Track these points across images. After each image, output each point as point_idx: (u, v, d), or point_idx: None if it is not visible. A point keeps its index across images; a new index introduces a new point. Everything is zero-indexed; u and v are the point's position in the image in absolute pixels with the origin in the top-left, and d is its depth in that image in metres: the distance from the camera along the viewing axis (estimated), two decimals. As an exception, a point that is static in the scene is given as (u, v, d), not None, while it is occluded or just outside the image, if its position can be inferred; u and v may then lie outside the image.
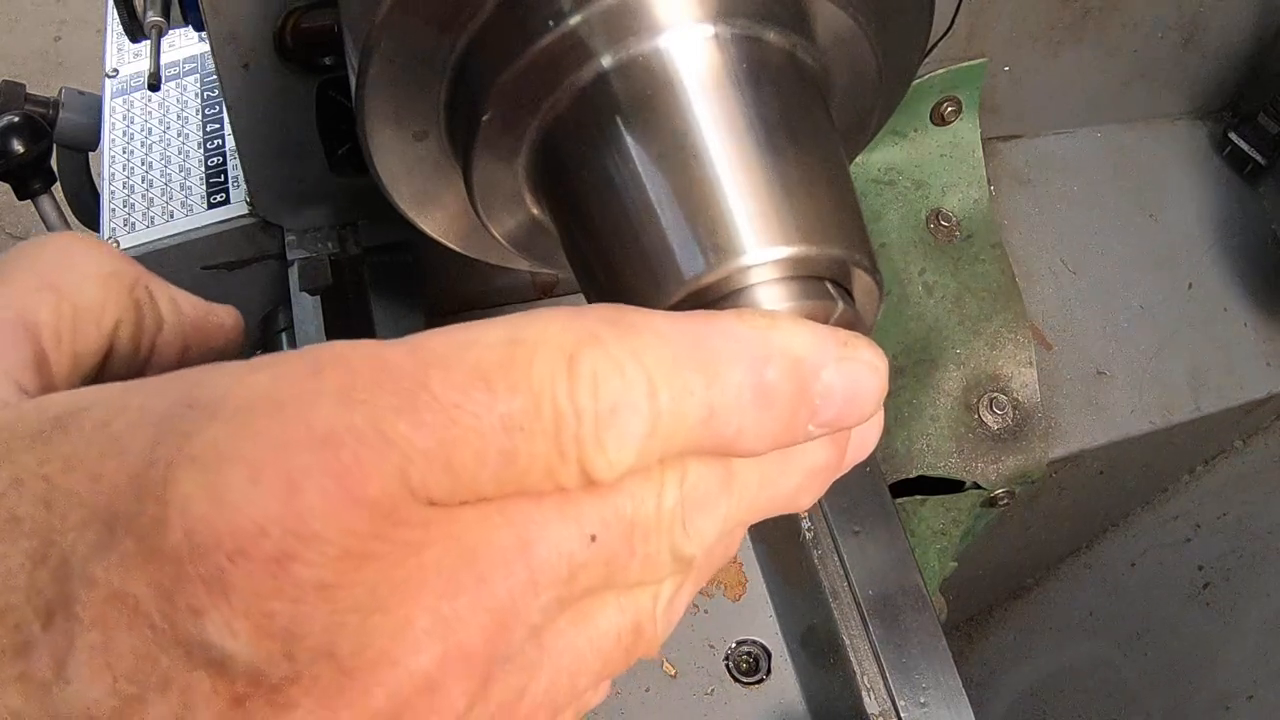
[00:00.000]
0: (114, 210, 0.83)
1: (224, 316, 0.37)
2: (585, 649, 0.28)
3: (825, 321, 0.35)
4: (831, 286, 0.35)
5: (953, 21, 0.82)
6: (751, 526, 0.83)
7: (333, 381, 0.24)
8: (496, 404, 0.24)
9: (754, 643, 0.70)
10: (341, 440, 0.23)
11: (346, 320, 0.74)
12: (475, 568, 0.25)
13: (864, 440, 0.34)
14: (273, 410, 0.23)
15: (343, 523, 0.22)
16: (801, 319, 0.31)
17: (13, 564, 0.23)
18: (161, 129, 0.88)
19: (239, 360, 0.25)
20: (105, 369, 0.33)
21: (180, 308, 0.35)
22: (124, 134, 0.88)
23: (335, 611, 0.23)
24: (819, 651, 0.68)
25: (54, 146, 1.01)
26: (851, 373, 0.30)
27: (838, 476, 0.33)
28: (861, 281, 0.36)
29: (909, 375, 0.91)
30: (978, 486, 0.90)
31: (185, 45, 0.93)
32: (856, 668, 0.65)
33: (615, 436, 0.26)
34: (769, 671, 0.69)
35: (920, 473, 0.90)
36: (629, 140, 0.36)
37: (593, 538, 0.26)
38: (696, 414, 0.27)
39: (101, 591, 0.22)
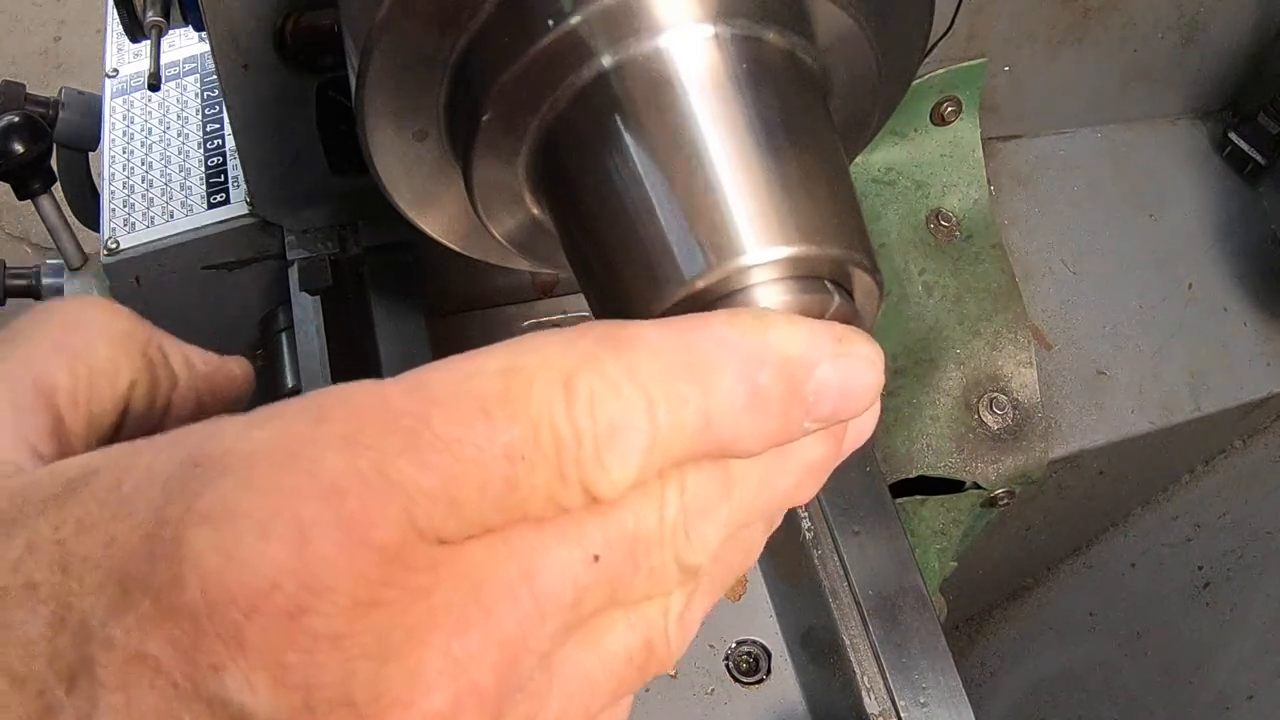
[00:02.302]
0: (114, 210, 0.83)
1: (234, 368, 0.37)
2: (596, 670, 0.28)
3: (822, 318, 0.35)
4: (831, 286, 0.35)
5: (953, 21, 0.82)
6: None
7: (336, 428, 0.24)
8: (497, 434, 0.24)
9: (754, 643, 0.70)
10: (347, 488, 0.23)
11: (346, 320, 0.74)
12: (482, 603, 0.25)
13: (860, 430, 0.34)
14: (278, 462, 0.23)
15: (353, 572, 0.23)
16: (795, 316, 0.31)
17: (33, 631, 0.23)
18: (161, 129, 0.88)
19: (243, 414, 0.25)
20: (121, 428, 0.33)
21: (193, 364, 0.36)
22: (124, 134, 0.88)
23: (350, 660, 0.23)
24: (819, 651, 0.68)
25: (54, 146, 1.01)
26: (846, 369, 0.30)
27: (834, 467, 0.33)
28: (861, 281, 0.36)
29: (909, 375, 0.91)
30: (978, 486, 0.90)
31: (185, 45, 0.93)
32: (856, 668, 0.65)
33: (616, 455, 0.26)
34: (769, 671, 0.69)
35: (920, 473, 0.90)
36: (629, 140, 0.36)
37: (595, 558, 0.26)
38: (694, 423, 0.27)
39: (122, 653, 0.23)
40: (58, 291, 0.95)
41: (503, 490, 0.25)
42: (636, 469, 0.26)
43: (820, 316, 0.35)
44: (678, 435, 0.27)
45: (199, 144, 0.86)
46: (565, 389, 0.25)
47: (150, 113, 0.89)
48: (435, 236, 0.51)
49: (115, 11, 0.68)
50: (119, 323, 0.33)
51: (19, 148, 0.89)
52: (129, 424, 0.33)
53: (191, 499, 0.23)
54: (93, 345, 0.32)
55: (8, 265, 0.99)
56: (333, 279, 0.75)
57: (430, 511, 0.24)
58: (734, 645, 0.70)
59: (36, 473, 0.26)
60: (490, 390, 0.25)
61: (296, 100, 0.68)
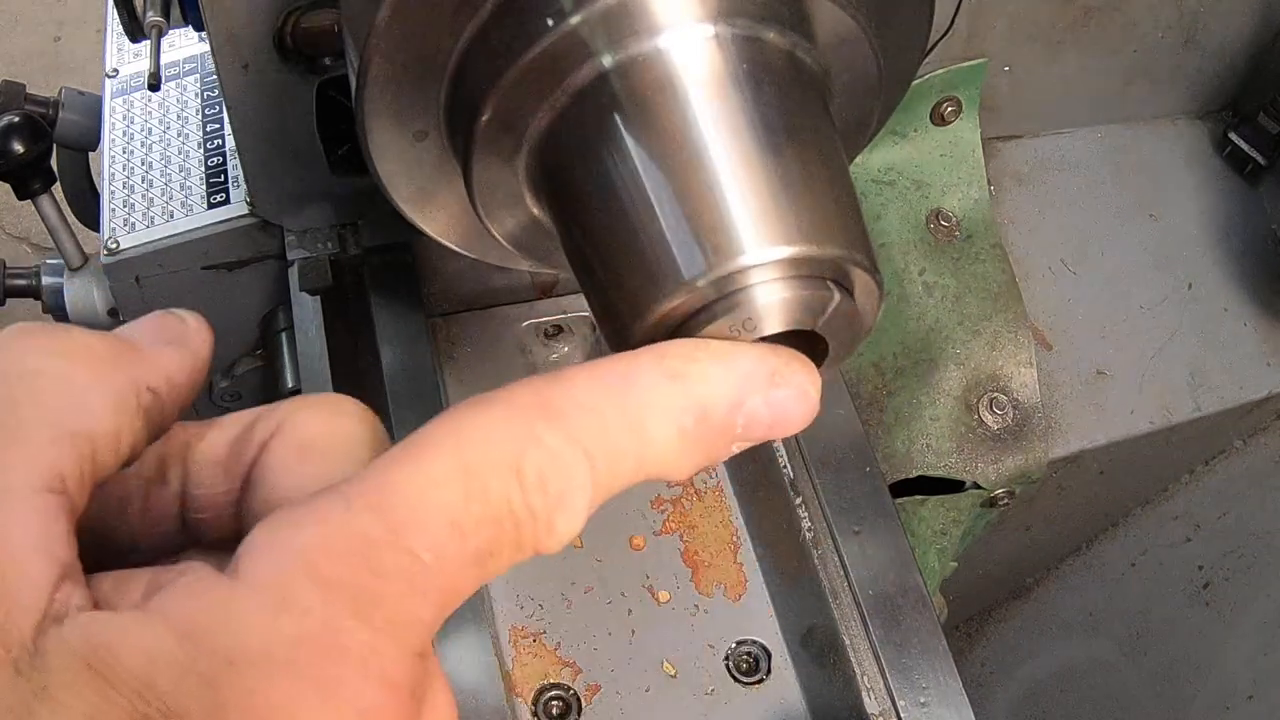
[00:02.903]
0: (114, 210, 0.83)
1: (200, 346, 0.35)
2: None
3: (822, 314, 0.35)
4: (831, 285, 0.35)
5: (953, 21, 0.82)
6: (751, 526, 0.82)
7: (340, 597, 0.26)
8: (469, 543, 0.28)
9: (754, 643, 0.70)
10: (369, 665, 0.26)
11: (346, 320, 0.74)
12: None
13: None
14: (301, 654, 0.25)
15: None
16: (729, 349, 0.33)
17: None
18: (161, 129, 0.88)
19: (245, 587, 0.26)
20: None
21: (174, 380, 0.33)
22: (124, 134, 0.88)
23: None
24: (819, 651, 0.68)
25: (54, 146, 1.01)
26: (778, 401, 0.33)
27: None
28: (861, 281, 0.36)
29: (909, 375, 0.91)
30: (978, 486, 0.90)
31: (185, 45, 0.93)
32: (856, 668, 0.65)
33: (564, 517, 0.29)
34: (769, 671, 0.69)
35: (920, 473, 0.90)
36: (629, 140, 0.36)
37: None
38: (629, 467, 0.30)
39: None
40: (58, 291, 0.95)
41: (477, 581, 0.28)
42: (582, 520, 0.29)
43: (821, 315, 0.35)
44: (615, 480, 0.30)
45: (199, 144, 0.86)
46: (518, 478, 0.28)
47: (150, 113, 0.89)
48: (435, 236, 0.51)
49: (115, 11, 0.68)
50: (106, 374, 0.31)
51: (19, 148, 0.89)
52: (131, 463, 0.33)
53: (246, 697, 0.25)
54: (94, 422, 0.30)
55: (8, 265, 0.99)
56: (333, 279, 0.75)
57: (428, 634, 0.27)
58: (734, 645, 0.70)
59: (48, 648, 0.25)
60: (453, 499, 0.27)
61: (296, 100, 0.68)
